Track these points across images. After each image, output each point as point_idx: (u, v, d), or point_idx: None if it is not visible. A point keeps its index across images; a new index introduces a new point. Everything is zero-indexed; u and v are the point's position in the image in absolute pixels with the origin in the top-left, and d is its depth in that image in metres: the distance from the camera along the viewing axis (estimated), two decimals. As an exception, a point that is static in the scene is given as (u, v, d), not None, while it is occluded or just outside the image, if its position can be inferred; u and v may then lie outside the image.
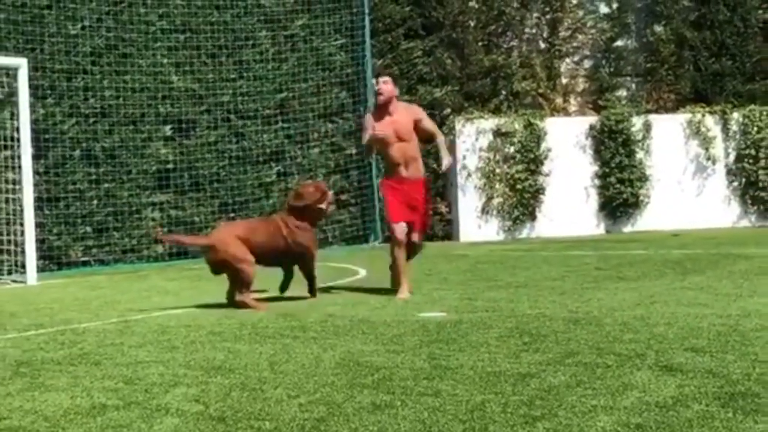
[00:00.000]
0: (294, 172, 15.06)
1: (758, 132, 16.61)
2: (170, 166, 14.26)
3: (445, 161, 8.87)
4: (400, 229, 8.67)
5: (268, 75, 14.95)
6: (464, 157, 16.23)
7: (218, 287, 8.76)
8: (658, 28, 17.22)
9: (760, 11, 17.34)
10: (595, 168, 16.61)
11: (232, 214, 14.60)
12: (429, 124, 9.03)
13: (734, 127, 16.76)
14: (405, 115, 8.79)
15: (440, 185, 16.40)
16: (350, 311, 7.69)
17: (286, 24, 15.10)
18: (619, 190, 16.43)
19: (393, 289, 8.81)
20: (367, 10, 15.34)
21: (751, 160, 16.65)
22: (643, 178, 16.48)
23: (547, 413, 4.20)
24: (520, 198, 16.28)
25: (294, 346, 6.13)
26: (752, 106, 16.77)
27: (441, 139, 9.05)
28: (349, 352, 5.85)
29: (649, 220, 16.50)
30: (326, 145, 15.32)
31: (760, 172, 16.57)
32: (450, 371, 5.15)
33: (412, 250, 8.90)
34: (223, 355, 5.88)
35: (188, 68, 14.46)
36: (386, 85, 8.77)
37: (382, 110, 8.79)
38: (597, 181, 16.63)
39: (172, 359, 5.82)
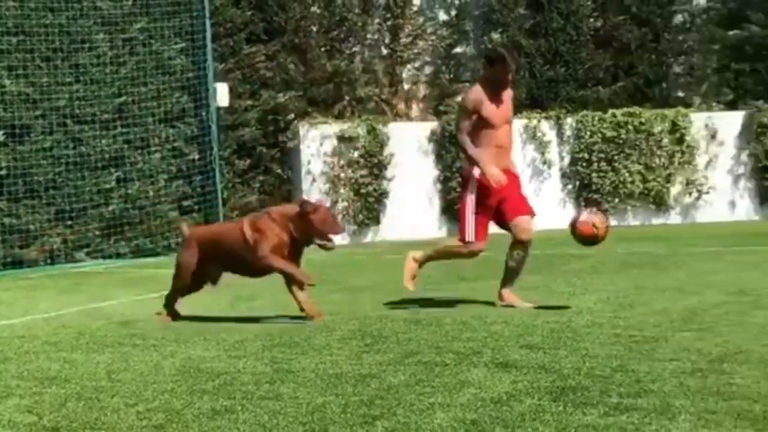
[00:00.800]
0: (134, 177, 14.76)
1: (591, 136, 17.22)
2: (3, 172, 13.77)
3: None
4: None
5: (106, 79, 14.60)
6: (309, 162, 16.26)
7: (55, 297, 8.52)
8: (495, 36, 17.66)
9: (592, 20, 17.99)
10: (437, 172, 16.90)
11: (69, 222, 14.19)
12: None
13: (568, 132, 17.34)
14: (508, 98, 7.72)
15: (285, 190, 16.37)
16: (192, 318, 7.60)
17: (125, 27, 14.78)
18: (460, 194, 16.75)
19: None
20: (207, 14, 15.17)
21: (584, 164, 17.25)
22: (483, 182, 16.86)
23: (386, 412, 4.27)
24: (365, 202, 16.42)
25: (133, 354, 6.02)
26: (585, 112, 17.37)
27: None
28: (190, 358, 5.79)
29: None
30: (168, 150, 15.08)
31: (593, 175, 17.17)
32: (291, 374, 5.17)
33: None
34: (58, 365, 5.72)
35: (22, 72, 13.99)
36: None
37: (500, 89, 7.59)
38: (439, 185, 16.92)
39: (5, 370, 5.63)
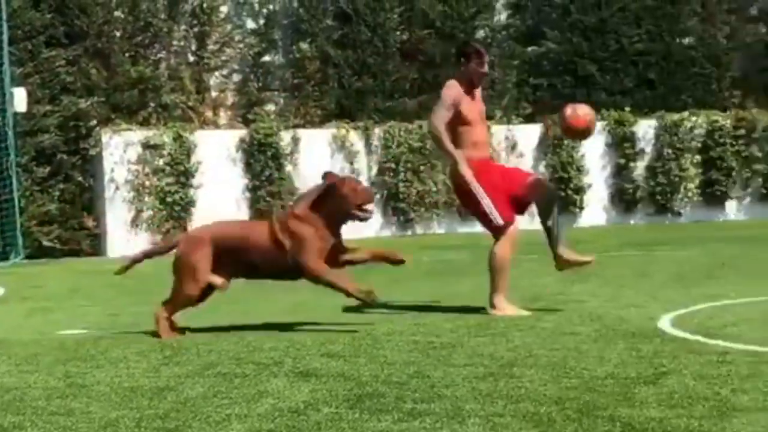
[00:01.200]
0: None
1: (398, 147, 17.55)
2: None
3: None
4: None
5: None
6: (112, 170, 15.86)
7: None
8: (304, 45, 17.75)
9: (398, 33, 18.34)
10: (246, 181, 16.82)
11: None
12: None
13: (376, 142, 17.60)
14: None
15: (87, 198, 15.92)
16: (-17, 332, 7.29)
17: None
18: (269, 203, 16.74)
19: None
20: (4, 17, 14.59)
21: (391, 174, 17.55)
22: (292, 191, 16.88)
23: (181, 425, 4.22)
24: (171, 211, 16.15)
25: None
26: (392, 123, 17.69)
27: None
28: (-22, 374, 5.55)
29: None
30: (-40, 156, 14.40)
31: (400, 184, 17.50)
32: (85, 389, 5.03)
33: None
34: None
35: None
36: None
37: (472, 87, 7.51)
38: (248, 194, 16.84)
39: None
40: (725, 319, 6.49)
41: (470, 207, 7.59)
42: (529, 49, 19.03)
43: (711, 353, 5.30)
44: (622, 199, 18.35)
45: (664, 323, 6.37)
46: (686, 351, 5.39)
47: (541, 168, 18.22)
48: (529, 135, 18.24)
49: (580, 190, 18.20)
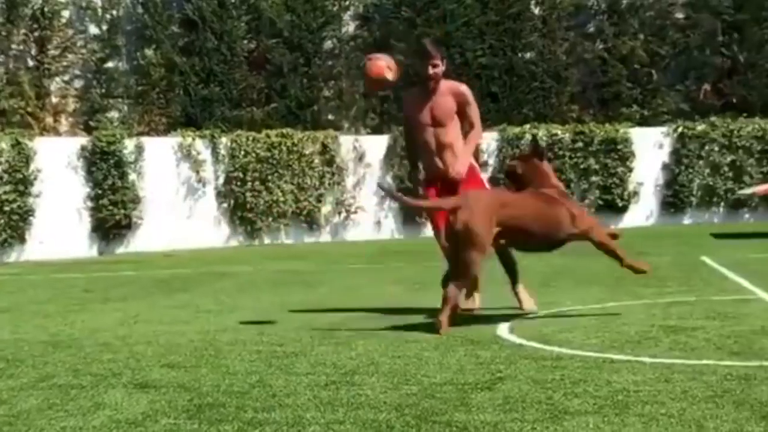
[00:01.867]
0: None
1: (245, 156, 17.46)
2: None
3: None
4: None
5: None
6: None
7: None
8: (149, 52, 17.48)
9: (246, 41, 18.27)
10: (88, 189, 16.43)
11: None
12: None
13: (223, 151, 17.47)
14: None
15: None
16: None
17: None
18: (112, 212, 16.40)
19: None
20: None
21: (239, 183, 17.45)
22: (136, 200, 16.59)
23: (12, 439, 4.10)
24: (8, 220, 15.64)
25: None
26: (239, 132, 17.60)
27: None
28: None
29: (143, 241, 16.64)
30: None
31: (248, 194, 17.42)
32: None
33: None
34: None
35: None
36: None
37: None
38: (90, 203, 16.46)
39: None
40: (560, 325, 6.71)
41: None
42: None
43: (546, 359, 5.47)
44: (467, 209, 18.74)
45: (503, 330, 6.54)
46: (522, 357, 5.55)
47: (389, 179, 18.44)
48: (376, 146, 18.44)
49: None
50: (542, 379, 4.91)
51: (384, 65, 7.21)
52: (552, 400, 4.46)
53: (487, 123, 19.08)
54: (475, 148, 7.60)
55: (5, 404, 4.75)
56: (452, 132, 7.31)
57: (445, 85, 7.36)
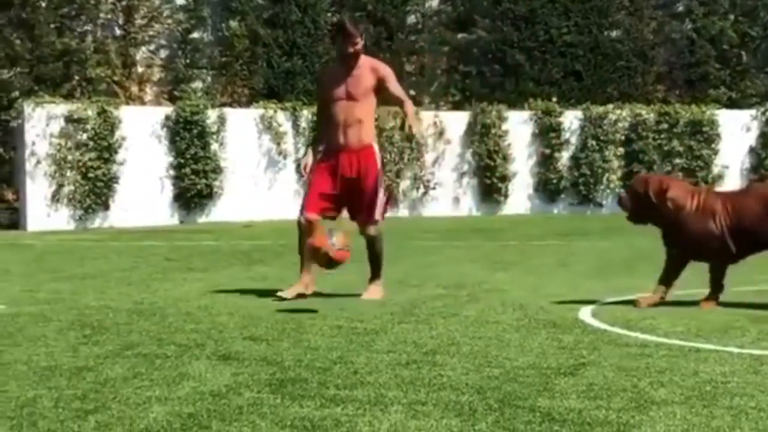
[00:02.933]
0: None
1: (325, 129, 17.51)
2: None
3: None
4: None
5: None
6: (33, 143, 15.55)
7: None
8: (233, 24, 17.58)
9: (329, 14, 18.27)
10: (170, 159, 16.63)
11: None
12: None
13: (304, 124, 17.53)
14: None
15: (6, 171, 15.60)
16: None
17: None
18: (194, 181, 16.58)
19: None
20: (-75, -19, 14.20)
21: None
22: (218, 170, 16.75)
23: (100, 406, 4.16)
24: (93, 186, 15.91)
25: None
26: (320, 105, 17.63)
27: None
28: None
29: (223, 211, 16.81)
30: None
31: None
32: (2, 367, 4.93)
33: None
34: None
35: None
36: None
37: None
38: (172, 172, 16.66)
39: None
40: (644, 311, 6.60)
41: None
42: (459, 36, 19.11)
43: (630, 345, 5.39)
44: (546, 188, 18.57)
45: (585, 314, 6.45)
46: (606, 342, 5.47)
47: (468, 156, 18.34)
48: (456, 122, 18.34)
49: (505, 179, 18.36)
50: (627, 366, 4.83)
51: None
52: (637, 389, 4.39)
53: (570, 101, 18.87)
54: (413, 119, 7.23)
55: (92, 371, 4.83)
56: (364, 108, 7.23)
57: (366, 61, 7.30)
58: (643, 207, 6.82)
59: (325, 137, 7.39)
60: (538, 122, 18.50)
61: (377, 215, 7.38)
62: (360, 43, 7.18)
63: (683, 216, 6.70)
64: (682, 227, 6.71)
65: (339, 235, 6.96)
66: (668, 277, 6.87)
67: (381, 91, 7.30)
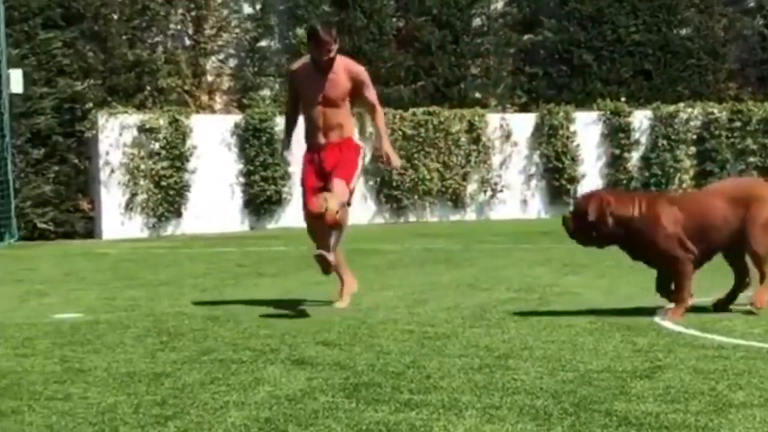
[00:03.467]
0: None
1: (391, 134, 17.50)
2: None
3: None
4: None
5: None
6: (107, 153, 15.84)
7: None
8: (300, 31, 17.70)
9: (394, 19, 18.32)
10: (240, 166, 16.82)
11: None
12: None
13: (369, 129, 17.57)
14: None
15: (81, 181, 15.91)
16: (-22, 314, 7.29)
17: None
18: (263, 188, 16.74)
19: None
20: (0, -2, 14.55)
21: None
22: (286, 176, 16.89)
23: (179, 412, 4.23)
24: (165, 195, 16.15)
25: None
26: (386, 110, 17.59)
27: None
28: (-25, 358, 5.56)
29: (292, 216, 16.92)
30: (-46, 137, 14.38)
31: (394, 172, 17.49)
32: (82, 374, 5.04)
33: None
34: None
35: None
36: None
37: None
38: (242, 179, 16.84)
39: None
40: (720, 313, 6.52)
41: None
42: (525, 37, 19.02)
43: (706, 347, 5.33)
44: (617, 189, 18.38)
45: (659, 316, 6.39)
46: (681, 345, 5.41)
47: (536, 157, 18.25)
48: (523, 124, 18.26)
49: (574, 180, 18.23)
50: (704, 369, 4.78)
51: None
52: (715, 392, 4.34)
53: (640, 101, 18.66)
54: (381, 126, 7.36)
55: (170, 377, 4.91)
56: (342, 112, 7.21)
57: (341, 62, 7.19)
58: (587, 228, 6.44)
59: (306, 135, 7.34)
60: (607, 123, 18.33)
61: (351, 180, 7.18)
62: (334, 49, 7.08)
63: (630, 228, 6.36)
64: (632, 239, 6.40)
65: (331, 199, 6.93)
66: (662, 287, 6.53)
67: (356, 95, 7.26)
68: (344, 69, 7.20)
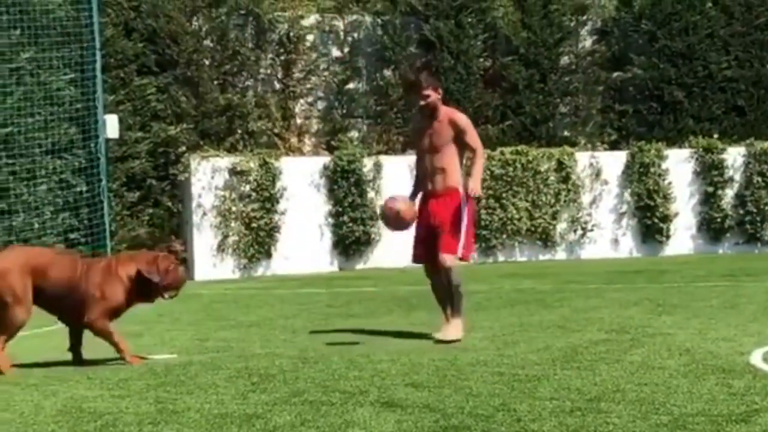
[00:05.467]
0: (19, 209, 14.44)
1: (480, 173, 17.51)
2: None
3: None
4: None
5: (-8, 108, 14.30)
6: (200, 195, 16.14)
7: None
8: (388, 73, 17.87)
9: (481, 59, 18.36)
10: (329, 207, 16.96)
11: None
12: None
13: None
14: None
15: (174, 223, 16.23)
16: (76, 355, 7.46)
17: (12, 57, 14.51)
18: (352, 229, 16.85)
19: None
20: (98, 45, 14.98)
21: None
22: (375, 217, 16.97)
23: (270, 454, 4.27)
24: (256, 236, 16.36)
25: (14, 394, 5.89)
26: (475, 149, 17.66)
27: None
28: (72, 398, 5.69)
29: (380, 257, 17.00)
30: (55, 182, 14.80)
31: (482, 211, 17.45)
32: (176, 415, 5.12)
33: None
34: (-67, 407, 5.56)
35: None
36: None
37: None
38: (331, 220, 16.97)
39: None
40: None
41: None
42: (615, 74, 18.87)
43: (805, 391, 5.18)
44: (710, 227, 18.04)
45: (756, 358, 6.24)
46: (779, 388, 5.28)
47: (627, 196, 18.04)
48: (614, 162, 18.07)
49: (666, 219, 17.94)
50: (803, 413, 4.65)
51: (404, 208, 7.56)
52: (815, 438, 4.22)
53: (733, 138, 18.33)
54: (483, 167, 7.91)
55: (260, 419, 4.96)
56: (446, 157, 7.70)
57: (445, 112, 7.72)
58: None
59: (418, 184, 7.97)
60: (700, 160, 18.04)
61: (457, 249, 7.68)
62: (431, 94, 7.55)
63: None
64: None
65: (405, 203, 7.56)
66: None
67: (460, 142, 7.72)
68: (448, 118, 7.69)
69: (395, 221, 7.66)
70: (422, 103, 7.56)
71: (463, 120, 7.73)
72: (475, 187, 7.69)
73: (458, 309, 7.72)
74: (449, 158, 7.70)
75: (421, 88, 7.52)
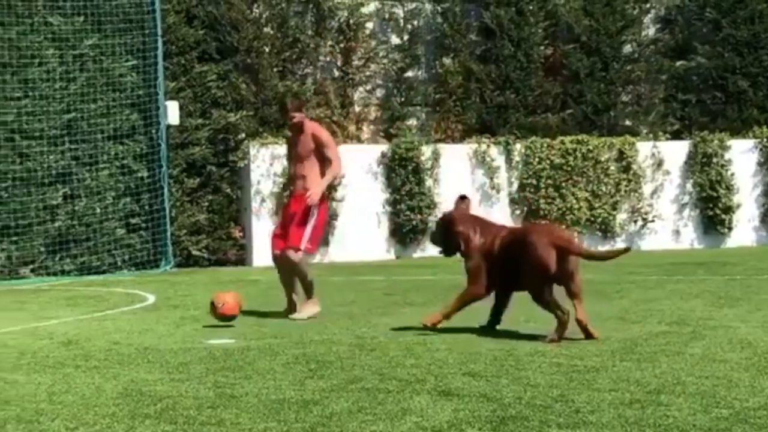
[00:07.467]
0: (82, 194, 14.66)
1: (539, 163, 17.41)
2: (-52, 186, 13.61)
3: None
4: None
5: (55, 95, 14.51)
6: (258, 182, 16.24)
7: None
8: (447, 61, 17.80)
9: (542, 47, 18.21)
10: (387, 195, 16.96)
11: (14, 238, 14.05)
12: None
13: (517, 158, 17.50)
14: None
15: (234, 209, 16.35)
16: (136, 339, 7.56)
17: (75, 43, 14.72)
18: (409, 217, 16.84)
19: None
20: (160, 32, 15.14)
21: (532, 190, 17.42)
22: (432, 205, 16.95)
23: (327, 440, 4.29)
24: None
25: (75, 376, 5.98)
26: (533, 138, 17.56)
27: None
28: (133, 381, 5.76)
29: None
30: (116, 167, 15.00)
31: (541, 201, 17.35)
32: (234, 399, 5.16)
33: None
34: (-2, 387, 5.67)
35: (-31, 86, 13.87)
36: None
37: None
38: (388, 208, 16.98)
39: (-57, 392, 5.56)
40: None
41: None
42: (678, 63, 18.61)
43: None
44: (774, 219, 17.76)
45: (821, 353, 6.12)
46: None
47: (689, 186, 17.80)
48: (676, 152, 17.84)
49: (729, 210, 17.68)
50: None
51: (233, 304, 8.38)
52: None
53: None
54: (330, 180, 9.13)
55: (318, 405, 4.98)
56: (308, 166, 8.94)
57: (310, 127, 9.06)
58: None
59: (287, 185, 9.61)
60: (764, 150, 17.74)
61: (301, 242, 8.85)
62: (296, 117, 8.91)
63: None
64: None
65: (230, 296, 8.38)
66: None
67: (321, 154, 8.92)
68: (311, 132, 8.96)
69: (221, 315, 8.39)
70: (289, 123, 9.01)
71: (324, 135, 9.04)
72: (314, 193, 8.80)
73: (310, 294, 8.94)
74: (310, 167, 8.94)
75: (290, 112, 8.91)
